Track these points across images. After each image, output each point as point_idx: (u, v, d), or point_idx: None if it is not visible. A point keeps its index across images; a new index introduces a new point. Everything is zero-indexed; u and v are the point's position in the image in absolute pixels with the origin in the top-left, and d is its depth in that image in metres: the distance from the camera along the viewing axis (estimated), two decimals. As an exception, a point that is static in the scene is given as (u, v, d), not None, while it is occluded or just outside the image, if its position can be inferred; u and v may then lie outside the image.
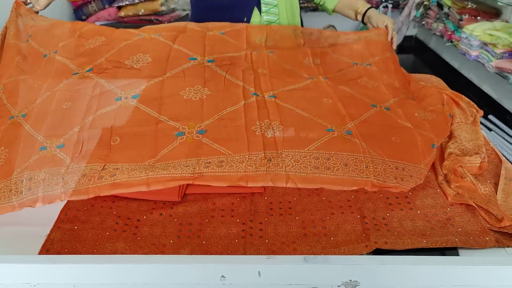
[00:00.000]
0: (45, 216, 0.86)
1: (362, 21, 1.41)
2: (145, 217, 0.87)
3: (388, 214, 0.85)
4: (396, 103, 1.10)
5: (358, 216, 0.85)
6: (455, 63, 2.93)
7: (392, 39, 1.31)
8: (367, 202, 0.89)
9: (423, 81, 1.33)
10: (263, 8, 1.38)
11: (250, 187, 0.92)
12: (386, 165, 0.91)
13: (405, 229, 0.81)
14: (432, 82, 1.35)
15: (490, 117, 2.41)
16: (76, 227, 0.84)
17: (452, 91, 1.23)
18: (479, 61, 2.23)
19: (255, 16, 1.40)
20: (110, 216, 0.87)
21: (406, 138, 0.99)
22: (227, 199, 0.91)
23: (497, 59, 2.01)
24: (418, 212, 0.86)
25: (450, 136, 1.05)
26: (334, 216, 0.86)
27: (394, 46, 1.32)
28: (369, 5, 1.41)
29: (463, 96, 1.19)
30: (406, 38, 3.36)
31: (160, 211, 0.88)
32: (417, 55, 3.69)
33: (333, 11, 1.45)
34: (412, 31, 3.69)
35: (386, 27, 1.31)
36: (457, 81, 2.82)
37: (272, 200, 0.90)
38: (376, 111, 1.05)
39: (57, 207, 0.89)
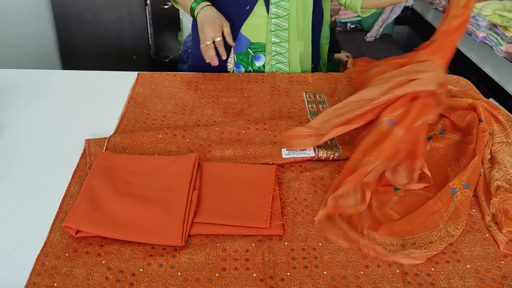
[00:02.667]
0: (17, 264, 0.70)
1: None
2: (141, 269, 0.71)
3: (432, 269, 0.73)
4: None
5: (398, 271, 0.72)
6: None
7: None
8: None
9: (452, 84, 1.17)
10: None
11: (266, 228, 0.77)
12: None
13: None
14: (461, 85, 1.20)
15: (491, 100, 2.29)
16: (55, 285, 0.69)
17: (486, 99, 1.08)
18: (486, 43, 2.08)
19: (260, 5, 1.21)
20: (98, 267, 0.71)
21: None
22: (239, 243, 0.76)
23: (508, 43, 1.86)
24: (468, 266, 0.74)
25: (492, 160, 0.92)
26: (369, 271, 0.72)
27: None
28: None
29: (500, 107, 1.04)
30: (402, 9, 3.16)
31: (159, 260, 0.73)
32: (412, 27, 3.50)
33: (362, 8, 1.26)
34: (408, 1, 3.47)
35: None
36: (456, 60, 2.67)
37: (293, 246, 0.76)
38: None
39: (32, 253, 0.72)
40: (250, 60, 1.29)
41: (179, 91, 1.17)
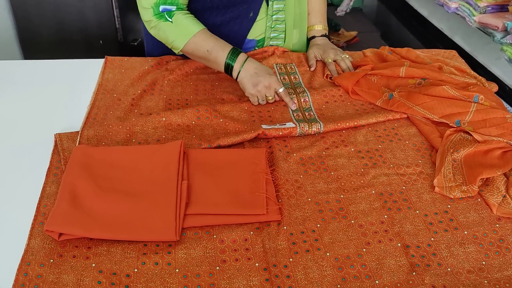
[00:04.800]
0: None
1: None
2: (136, 269, 0.67)
3: (432, 239, 0.73)
4: None
5: (399, 244, 0.72)
6: (423, 11, 2.79)
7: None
8: (404, 222, 0.75)
9: (447, 57, 1.18)
10: None
11: (264, 214, 0.74)
12: None
13: (457, 260, 0.69)
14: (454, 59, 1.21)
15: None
16: (43, 296, 0.63)
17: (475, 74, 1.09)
18: (458, 14, 2.10)
19: (262, 7, 1.14)
20: (88, 271, 0.66)
21: None
22: (237, 233, 0.72)
23: (480, 13, 1.89)
24: (465, 232, 0.74)
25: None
26: (371, 248, 0.71)
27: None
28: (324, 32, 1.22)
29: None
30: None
31: (154, 258, 0.68)
32: (381, 0, 3.50)
33: None
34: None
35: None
36: (427, 32, 2.70)
37: (292, 230, 0.73)
38: None
39: (12, 263, 0.66)
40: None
41: (150, 72, 1.11)
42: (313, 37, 1.23)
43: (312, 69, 1.15)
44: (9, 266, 0.66)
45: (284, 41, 1.21)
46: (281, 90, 1.00)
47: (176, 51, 1.03)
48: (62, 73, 1.12)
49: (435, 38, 2.58)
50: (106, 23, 2.14)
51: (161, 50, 1.15)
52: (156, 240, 0.71)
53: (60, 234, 0.70)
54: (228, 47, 1.00)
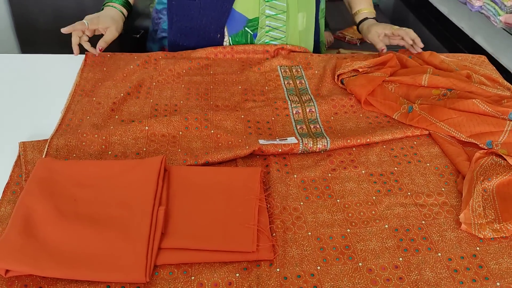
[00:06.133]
0: None
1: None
2: (93, 319, 0.55)
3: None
4: None
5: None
6: (443, 9, 2.62)
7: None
8: (423, 267, 0.62)
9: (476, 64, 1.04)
10: None
11: (253, 252, 0.62)
12: None
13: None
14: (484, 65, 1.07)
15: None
16: None
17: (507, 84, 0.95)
18: (482, 13, 1.93)
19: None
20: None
21: None
22: (220, 274, 0.60)
23: (507, 13, 1.73)
24: (498, 284, 0.61)
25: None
26: (380, 302, 0.58)
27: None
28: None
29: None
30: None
31: (117, 304, 0.56)
32: (398, -4, 3.32)
33: None
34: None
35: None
36: (445, 30, 2.54)
37: (286, 273, 0.61)
38: None
39: None
40: (249, 40, 1.08)
41: (136, 72, 0.98)
42: (365, 19, 1.10)
43: (384, 51, 1.05)
44: None
45: (286, 26, 1.06)
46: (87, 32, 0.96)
47: None
48: (38, 70, 1.00)
49: (454, 38, 2.42)
50: (106, 13, 2.03)
51: (187, 42, 1.07)
52: (121, 281, 0.59)
53: (7, 271, 0.58)
54: None
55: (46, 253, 0.59)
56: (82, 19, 0.97)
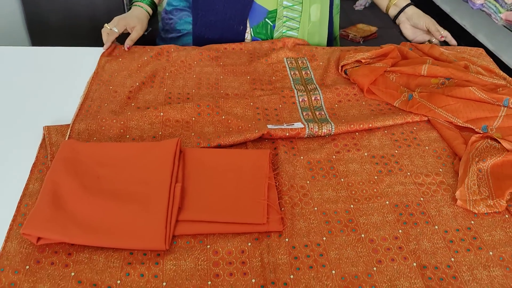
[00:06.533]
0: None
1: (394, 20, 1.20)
2: (119, 281, 0.60)
3: (452, 260, 0.64)
4: None
5: (415, 264, 0.64)
6: (446, 7, 2.67)
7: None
8: (421, 239, 0.67)
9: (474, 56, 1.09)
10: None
11: (264, 224, 0.67)
12: None
13: (480, 285, 0.61)
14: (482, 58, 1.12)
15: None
16: (14, 306, 0.57)
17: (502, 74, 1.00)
18: (483, 11, 1.98)
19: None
20: (67, 280, 0.60)
21: None
22: (233, 244, 0.65)
23: (508, 10, 1.77)
24: (490, 253, 0.65)
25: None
26: (382, 267, 0.63)
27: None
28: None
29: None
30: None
31: (140, 269, 0.62)
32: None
33: None
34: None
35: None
36: (448, 29, 2.58)
37: (295, 243, 0.66)
38: None
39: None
40: (269, 31, 1.15)
41: (150, 63, 1.04)
42: (405, 7, 1.18)
43: (442, 38, 1.13)
44: (-19, 272, 0.60)
45: (301, 16, 1.13)
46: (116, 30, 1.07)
47: None
48: (58, 62, 1.06)
49: (457, 35, 2.47)
50: (116, 10, 2.07)
51: (211, 35, 1.14)
52: (143, 249, 0.64)
53: (39, 238, 0.64)
54: None
55: (73, 223, 0.64)
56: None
